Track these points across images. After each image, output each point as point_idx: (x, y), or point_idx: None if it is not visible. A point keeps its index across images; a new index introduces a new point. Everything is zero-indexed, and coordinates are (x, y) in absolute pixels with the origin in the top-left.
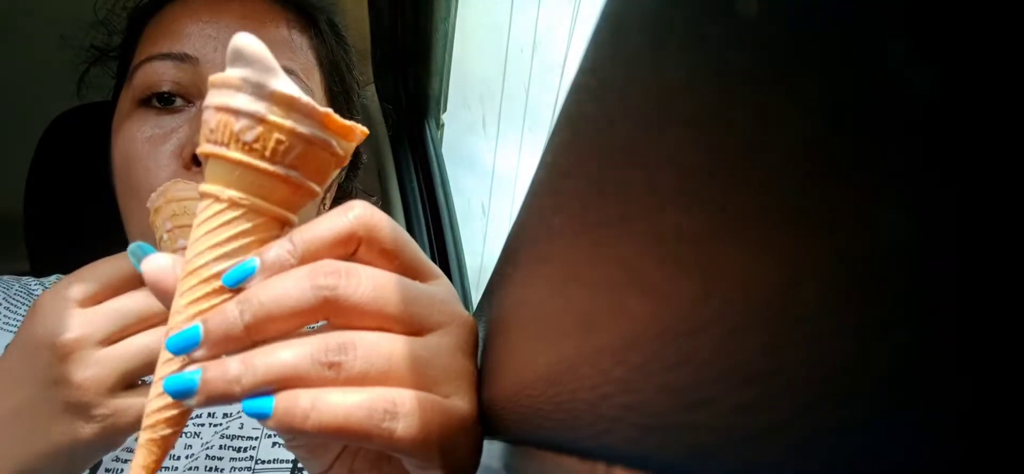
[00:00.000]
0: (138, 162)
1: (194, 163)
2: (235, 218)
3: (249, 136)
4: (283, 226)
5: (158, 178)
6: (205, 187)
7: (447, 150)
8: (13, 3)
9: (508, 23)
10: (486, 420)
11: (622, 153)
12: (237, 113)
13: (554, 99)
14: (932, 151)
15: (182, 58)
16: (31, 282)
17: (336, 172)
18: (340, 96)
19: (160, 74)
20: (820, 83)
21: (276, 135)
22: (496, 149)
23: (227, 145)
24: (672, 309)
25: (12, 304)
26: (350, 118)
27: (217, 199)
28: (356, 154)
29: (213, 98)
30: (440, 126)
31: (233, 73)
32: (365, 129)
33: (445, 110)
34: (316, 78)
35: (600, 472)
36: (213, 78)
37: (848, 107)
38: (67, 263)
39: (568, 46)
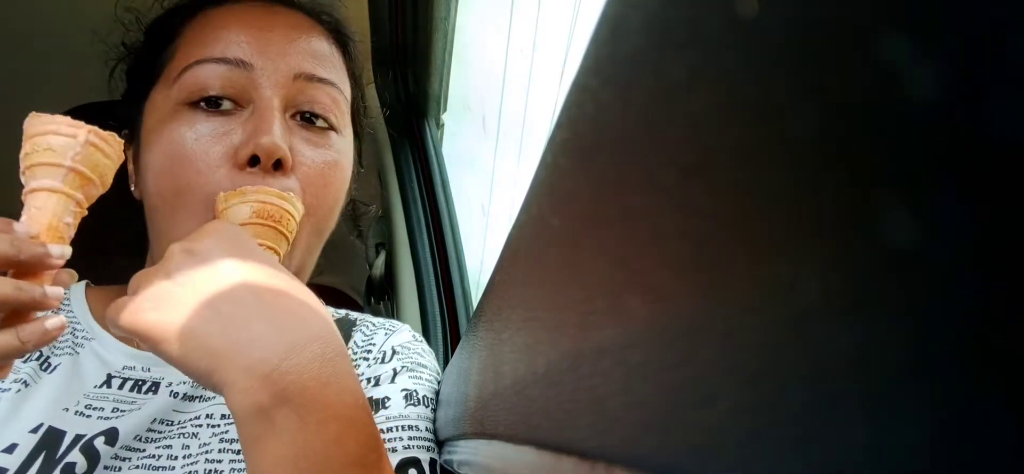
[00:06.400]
0: (188, 163)
1: (249, 164)
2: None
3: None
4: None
5: (211, 179)
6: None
7: (447, 150)
8: (14, 5)
9: (508, 23)
10: (486, 420)
11: (622, 153)
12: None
13: (554, 99)
14: (932, 151)
15: (237, 63)
16: None
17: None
18: (361, 109)
19: (211, 78)
20: (820, 83)
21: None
22: (496, 149)
23: None
24: (672, 309)
25: None
26: (362, 124)
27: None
28: (356, 157)
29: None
30: (440, 126)
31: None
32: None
33: (445, 110)
34: (347, 88)
35: (600, 472)
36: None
37: (848, 107)
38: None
39: (568, 46)
